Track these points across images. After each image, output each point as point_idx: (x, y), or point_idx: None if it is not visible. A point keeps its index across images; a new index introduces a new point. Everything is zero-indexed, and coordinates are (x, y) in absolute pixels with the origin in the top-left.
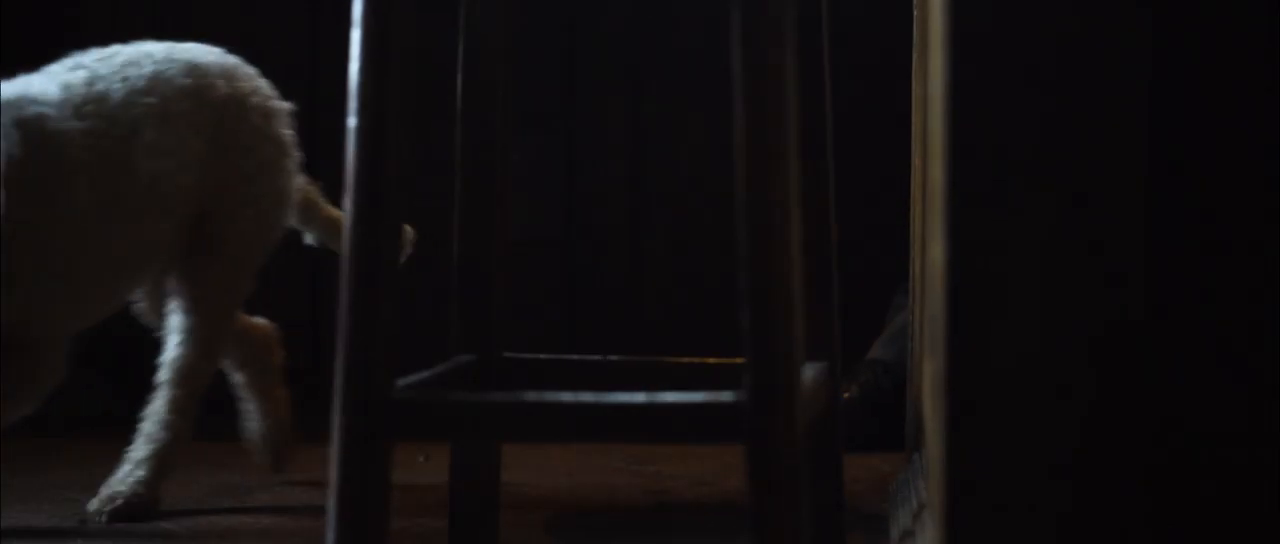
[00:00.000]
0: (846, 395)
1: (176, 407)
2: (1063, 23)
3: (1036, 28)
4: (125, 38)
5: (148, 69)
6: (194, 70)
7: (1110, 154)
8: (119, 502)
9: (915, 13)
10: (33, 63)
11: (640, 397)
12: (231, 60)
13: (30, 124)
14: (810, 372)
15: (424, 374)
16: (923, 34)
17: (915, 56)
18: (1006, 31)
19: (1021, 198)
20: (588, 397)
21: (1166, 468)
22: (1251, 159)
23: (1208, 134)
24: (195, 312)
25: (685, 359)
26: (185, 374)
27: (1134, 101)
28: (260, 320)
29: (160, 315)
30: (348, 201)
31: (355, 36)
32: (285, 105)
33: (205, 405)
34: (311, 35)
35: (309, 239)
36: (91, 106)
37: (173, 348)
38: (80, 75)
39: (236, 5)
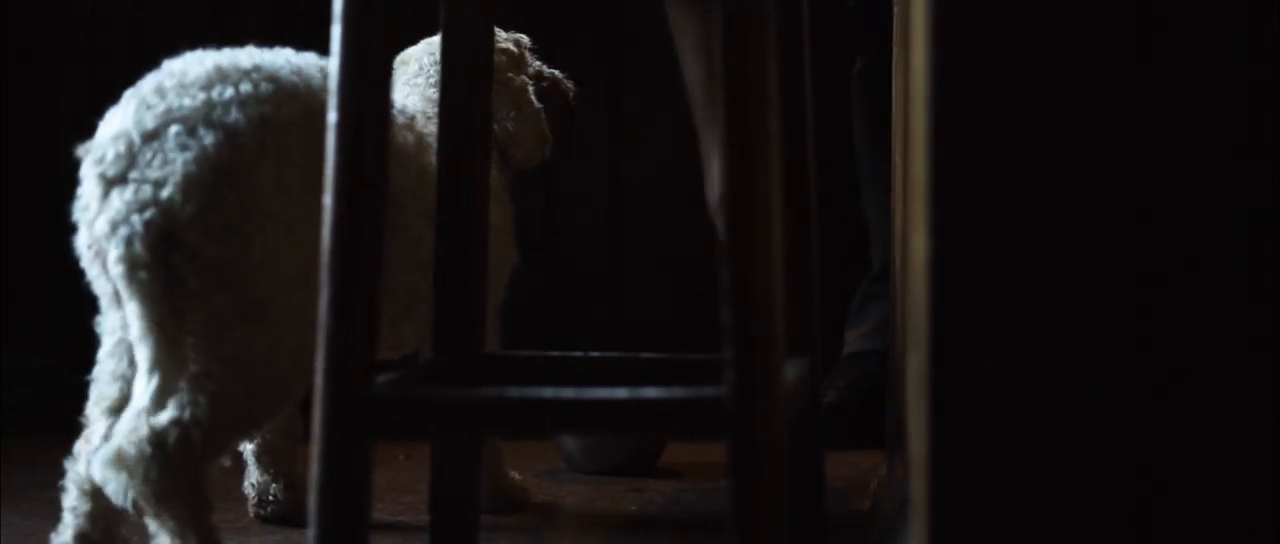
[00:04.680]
0: (826, 399)
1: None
2: (1044, 14)
3: (1017, 19)
4: (105, 41)
5: None
6: None
7: (1093, 147)
8: None
9: (896, 5)
10: (12, 65)
11: (622, 392)
12: None
13: None
14: (792, 368)
15: (404, 371)
16: (903, 25)
17: (896, 48)
18: (987, 22)
19: (1003, 190)
20: (569, 392)
21: (1151, 466)
22: (1231, 151)
23: (1187, 126)
24: None
25: (666, 355)
26: None
27: (1115, 94)
28: None
29: None
30: (327, 199)
31: (335, 33)
32: None
33: None
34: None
35: None
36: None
37: None
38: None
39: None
